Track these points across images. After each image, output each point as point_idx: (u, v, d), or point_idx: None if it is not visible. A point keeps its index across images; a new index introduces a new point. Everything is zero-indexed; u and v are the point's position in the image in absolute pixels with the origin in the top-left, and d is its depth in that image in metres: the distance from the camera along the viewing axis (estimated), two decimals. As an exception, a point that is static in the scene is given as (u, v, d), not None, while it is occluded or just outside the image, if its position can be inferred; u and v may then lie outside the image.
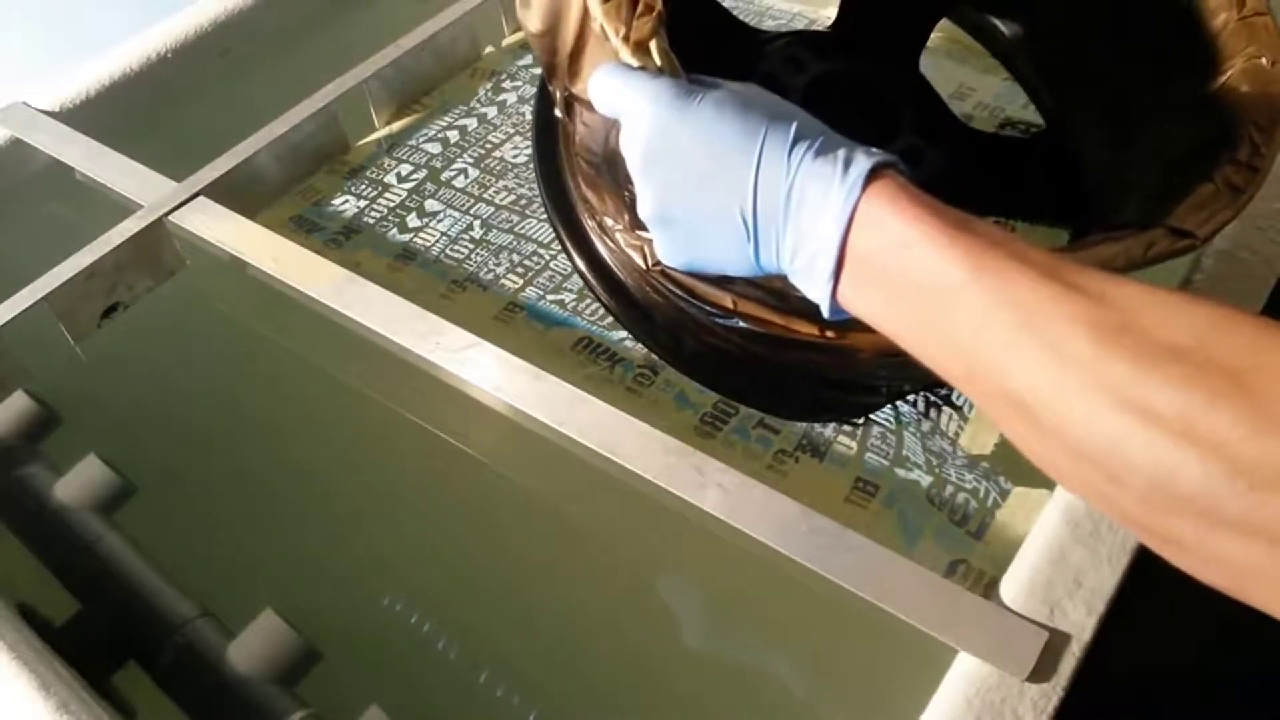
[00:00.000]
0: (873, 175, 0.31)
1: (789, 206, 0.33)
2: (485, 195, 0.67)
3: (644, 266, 0.44)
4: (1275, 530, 0.25)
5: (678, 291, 0.44)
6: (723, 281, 0.43)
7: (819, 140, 0.33)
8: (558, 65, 0.42)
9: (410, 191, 0.68)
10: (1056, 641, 0.40)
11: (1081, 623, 0.41)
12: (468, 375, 0.51)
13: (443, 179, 0.69)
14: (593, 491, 0.53)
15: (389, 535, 0.56)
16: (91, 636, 0.49)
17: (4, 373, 0.58)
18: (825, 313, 0.34)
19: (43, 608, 0.49)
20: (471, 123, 0.73)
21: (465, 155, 0.71)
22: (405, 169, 0.70)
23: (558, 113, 0.45)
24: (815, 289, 0.34)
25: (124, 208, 0.63)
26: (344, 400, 0.62)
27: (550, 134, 0.52)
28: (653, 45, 0.37)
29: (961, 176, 0.55)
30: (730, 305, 0.43)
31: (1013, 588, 0.42)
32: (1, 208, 0.71)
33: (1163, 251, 0.39)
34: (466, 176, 0.69)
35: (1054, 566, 0.42)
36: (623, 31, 0.37)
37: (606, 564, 0.54)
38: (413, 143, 0.72)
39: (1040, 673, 0.39)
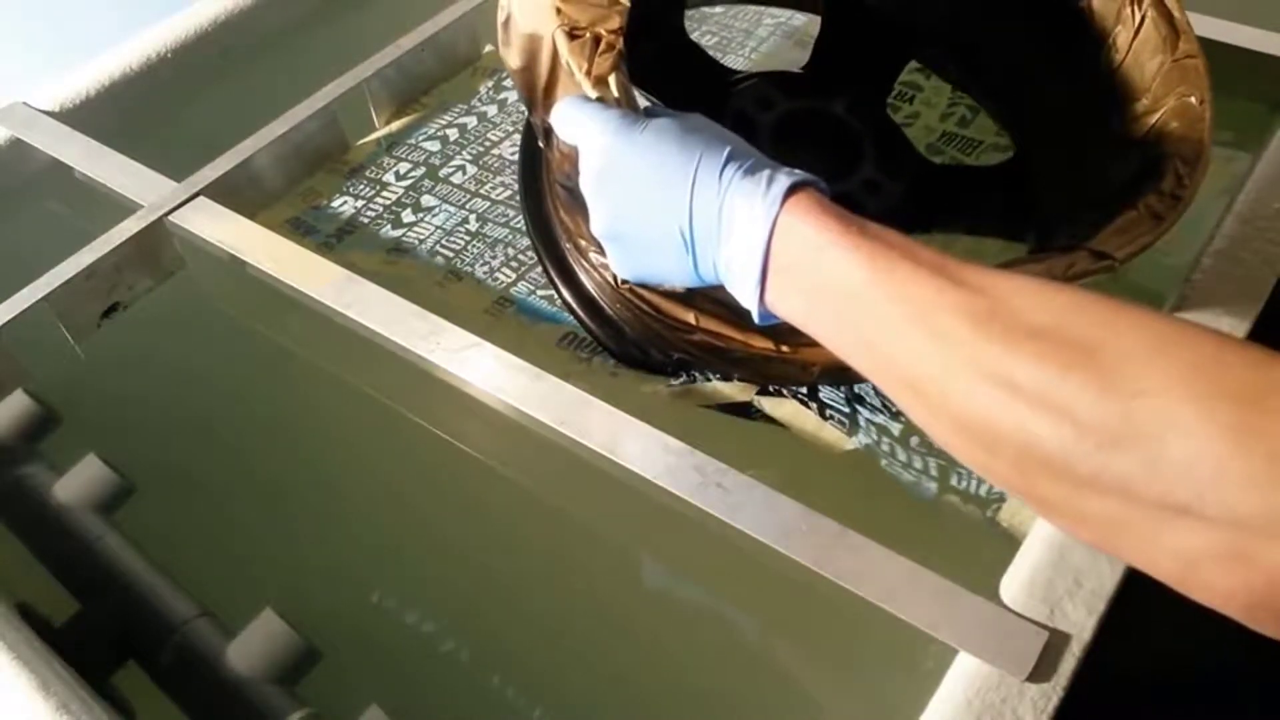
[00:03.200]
0: (792, 191, 0.35)
1: (721, 221, 0.36)
2: (482, 191, 0.67)
3: (614, 285, 0.47)
4: (1124, 486, 0.27)
5: (645, 308, 0.47)
6: (686, 299, 0.46)
7: (748, 162, 0.36)
8: (535, 98, 0.45)
9: (407, 189, 0.68)
10: (1056, 641, 0.40)
11: (1081, 623, 0.41)
12: (467, 375, 0.51)
13: (440, 175, 0.69)
14: (593, 491, 0.53)
15: (389, 535, 0.56)
16: (91, 636, 0.48)
17: (4, 373, 0.58)
18: (755, 318, 0.37)
19: (42, 607, 0.49)
20: (471, 120, 0.73)
21: (464, 152, 0.71)
22: (404, 167, 0.70)
23: (540, 143, 0.48)
24: (745, 296, 0.37)
25: (124, 208, 0.63)
26: (344, 399, 0.62)
27: (534, 163, 0.56)
28: (611, 80, 0.41)
29: (921, 205, 0.58)
30: (693, 321, 0.47)
31: (1013, 588, 0.42)
32: (1, 208, 0.71)
33: (1083, 271, 0.42)
34: (464, 173, 0.69)
35: (1054, 566, 0.42)
36: (585, 67, 0.41)
37: (607, 563, 0.54)
38: (412, 141, 0.72)
39: (1040, 673, 0.39)
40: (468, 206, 0.66)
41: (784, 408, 0.52)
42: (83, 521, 0.52)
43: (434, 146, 0.72)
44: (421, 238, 0.64)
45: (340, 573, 0.54)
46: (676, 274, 0.39)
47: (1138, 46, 0.50)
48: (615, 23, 0.42)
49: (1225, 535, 0.26)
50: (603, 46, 0.41)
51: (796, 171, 0.36)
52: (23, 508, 0.54)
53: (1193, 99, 0.47)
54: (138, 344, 0.64)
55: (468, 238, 0.64)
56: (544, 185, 0.54)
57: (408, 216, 0.66)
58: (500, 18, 0.46)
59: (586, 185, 0.40)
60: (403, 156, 0.71)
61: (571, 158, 0.42)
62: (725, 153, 0.36)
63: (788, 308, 0.36)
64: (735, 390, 0.53)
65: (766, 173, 0.35)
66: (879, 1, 0.61)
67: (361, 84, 0.71)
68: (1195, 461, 0.26)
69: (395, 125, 0.74)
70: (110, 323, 0.62)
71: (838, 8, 0.63)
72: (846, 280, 0.33)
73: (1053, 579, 0.42)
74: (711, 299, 0.46)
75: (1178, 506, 0.26)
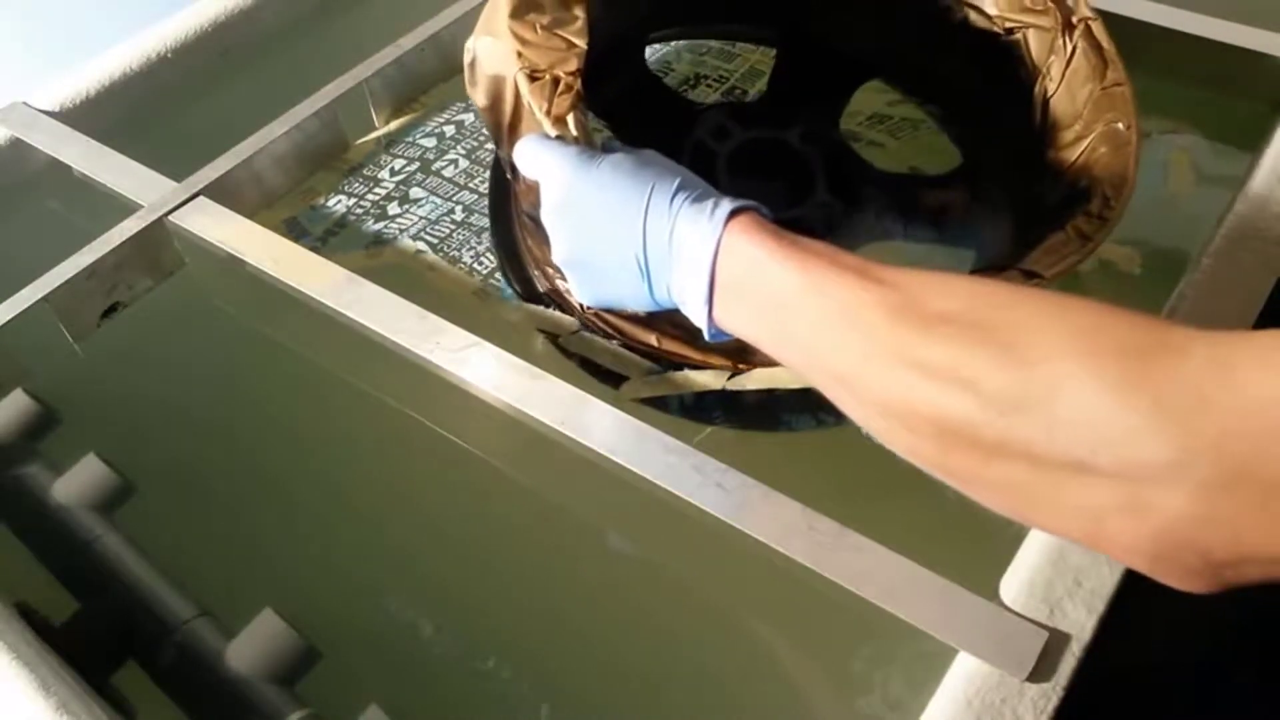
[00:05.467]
0: (735, 215, 0.37)
1: (672, 246, 0.39)
2: (471, 185, 0.68)
3: (580, 309, 0.50)
4: (1027, 450, 0.29)
5: (609, 331, 0.49)
6: (647, 322, 0.49)
7: (696, 192, 0.39)
8: (501, 135, 0.48)
9: (398, 183, 0.69)
10: (1056, 641, 0.40)
11: (1081, 623, 0.41)
12: (467, 375, 0.51)
13: (433, 169, 0.69)
14: (593, 490, 0.53)
15: (389, 534, 0.56)
16: (91, 636, 0.48)
17: (4, 372, 0.58)
18: (706, 335, 0.40)
19: (42, 607, 0.49)
20: (468, 117, 0.74)
21: (459, 147, 0.71)
22: (399, 163, 0.70)
23: (508, 175, 0.50)
24: (696, 314, 0.39)
25: (124, 208, 0.63)
26: (344, 398, 0.62)
27: (503, 193, 0.59)
28: (569, 118, 0.44)
29: (876, 221, 0.61)
30: (654, 343, 0.49)
31: (1013, 587, 0.42)
32: (1, 207, 0.71)
33: None
34: (456, 166, 0.69)
35: (1054, 566, 0.42)
36: (545, 107, 0.44)
37: (606, 563, 0.54)
38: (410, 139, 0.72)
39: (1040, 673, 0.39)
40: (455, 199, 0.67)
41: (755, 376, 0.52)
42: (82, 521, 0.52)
43: (430, 143, 0.72)
44: (403, 227, 0.65)
45: (340, 572, 0.54)
46: (634, 299, 0.42)
47: (1070, 76, 0.53)
48: (573, 65, 0.45)
49: (1121, 488, 0.28)
50: (561, 87, 0.45)
51: (740, 199, 0.38)
52: (22, 507, 0.54)
53: (1120, 125, 0.50)
54: (138, 344, 0.64)
55: (453, 226, 0.64)
56: (512, 214, 0.57)
57: (393, 209, 0.66)
58: (466, 59, 0.49)
59: (547, 217, 0.43)
60: (399, 153, 0.71)
61: (536, 190, 0.44)
62: (675, 183, 0.39)
63: (733, 322, 0.38)
64: (709, 378, 0.53)
65: (712, 200, 0.38)
66: (831, 34, 0.65)
67: (362, 84, 0.71)
68: (1086, 418, 0.28)
69: (394, 124, 0.74)
70: (110, 322, 0.62)
71: (792, 41, 0.67)
72: (782, 289, 0.36)
73: (1053, 579, 0.42)
74: (671, 322, 0.48)
75: (1076, 464, 0.28)
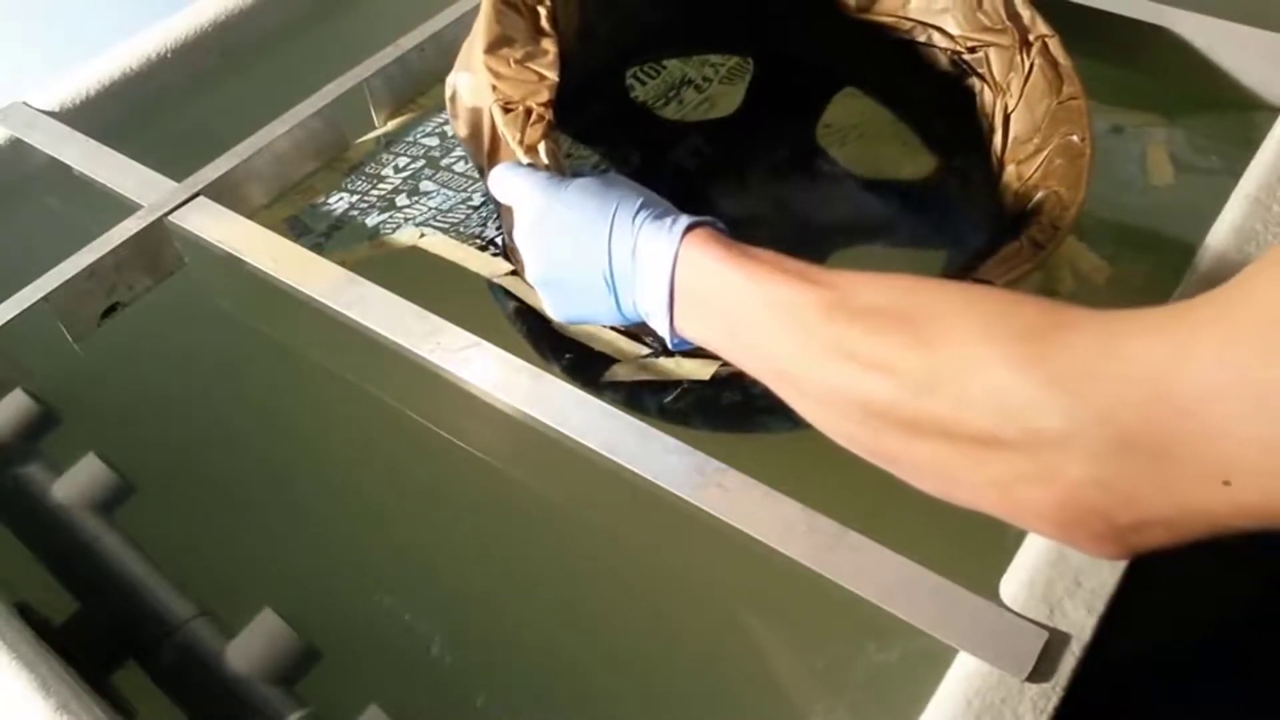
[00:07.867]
0: (692, 228, 0.40)
1: (635, 261, 0.41)
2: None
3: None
4: (941, 426, 0.31)
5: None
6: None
7: (658, 210, 0.41)
8: (482, 163, 0.50)
9: (405, 179, 0.69)
10: (1056, 641, 0.40)
11: (1081, 622, 0.41)
12: (467, 375, 0.51)
13: (442, 165, 0.69)
14: (594, 490, 0.53)
15: (389, 534, 0.56)
16: (91, 636, 0.48)
17: (4, 372, 0.58)
18: (669, 344, 0.41)
19: (42, 607, 0.49)
20: (470, 119, 0.74)
21: (461, 146, 0.71)
22: (403, 161, 0.70)
23: (491, 202, 0.53)
24: (659, 324, 0.41)
25: (124, 207, 0.63)
26: (345, 398, 0.62)
27: (497, 213, 0.61)
28: (541, 147, 0.47)
29: (852, 226, 0.63)
30: None
31: (1013, 587, 0.42)
32: (1, 207, 0.71)
33: None
34: (466, 162, 0.69)
35: (1054, 567, 0.42)
36: (518, 137, 0.47)
37: (607, 563, 0.54)
38: (411, 138, 0.72)
39: (1040, 673, 0.39)
40: (469, 190, 0.66)
41: None
42: (82, 521, 0.52)
43: (433, 141, 0.72)
44: (410, 216, 0.65)
45: (340, 572, 0.54)
46: (603, 314, 0.44)
47: (1028, 91, 0.56)
48: (544, 96, 0.48)
49: (1027, 458, 0.30)
50: (533, 118, 0.47)
51: (698, 215, 0.41)
52: (22, 507, 0.54)
53: (1074, 137, 0.52)
54: (137, 343, 0.64)
55: (469, 211, 0.64)
56: (507, 233, 0.58)
57: (402, 200, 0.66)
58: (448, 94, 0.52)
59: (520, 239, 0.45)
60: (401, 152, 0.71)
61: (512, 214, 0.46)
62: (638, 203, 0.41)
63: (692, 329, 0.40)
64: (697, 365, 0.53)
65: (671, 216, 0.41)
66: (803, 56, 0.68)
67: (362, 83, 0.71)
68: (991, 393, 0.30)
69: (394, 124, 0.74)
70: (110, 322, 0.62)
71: (769, 57, 0.69)
72: (732, 295, 0.38)
73: (1053, 579, 0.42)
74: (645, 330, 0.49)
75: (986, 438, 0.30)
